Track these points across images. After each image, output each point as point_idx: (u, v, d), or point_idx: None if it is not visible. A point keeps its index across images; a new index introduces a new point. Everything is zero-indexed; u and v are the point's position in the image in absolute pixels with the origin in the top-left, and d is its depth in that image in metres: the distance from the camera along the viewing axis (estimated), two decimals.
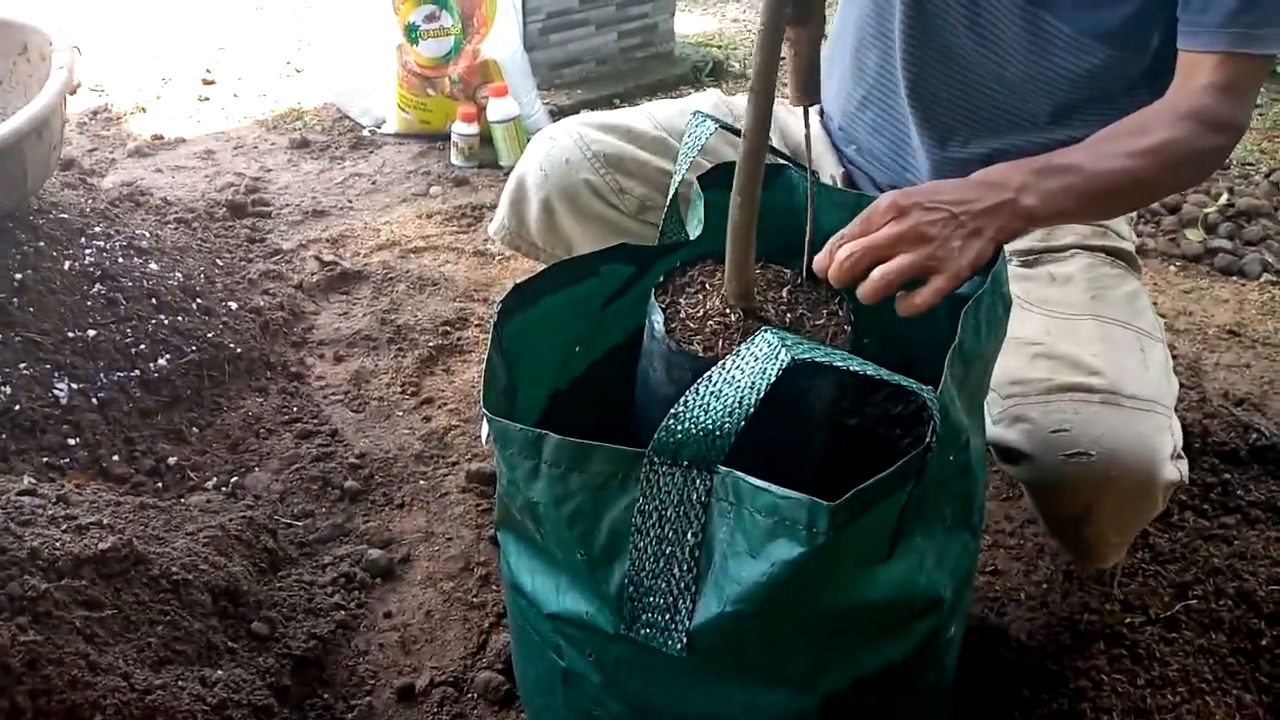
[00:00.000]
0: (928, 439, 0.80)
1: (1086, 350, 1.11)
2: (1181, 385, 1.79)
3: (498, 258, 2.24)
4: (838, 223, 1.15)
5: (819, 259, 0.95)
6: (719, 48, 3.54)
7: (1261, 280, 2.23)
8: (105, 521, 1.13)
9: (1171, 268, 2.27)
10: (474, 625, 1.37)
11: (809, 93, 1.02)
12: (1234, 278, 2.24)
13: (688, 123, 1.09)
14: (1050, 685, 1.23)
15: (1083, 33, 1.11)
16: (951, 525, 0.95)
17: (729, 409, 0.77)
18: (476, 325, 2.00)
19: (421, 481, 1.61)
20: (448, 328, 1.98)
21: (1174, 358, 1.88)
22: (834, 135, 1.40)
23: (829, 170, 1.38)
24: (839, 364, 0.79)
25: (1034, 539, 1.48)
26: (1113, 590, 1.35)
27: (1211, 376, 1.89)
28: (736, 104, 1.43)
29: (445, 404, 1.79)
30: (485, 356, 0.95)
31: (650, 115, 1.39)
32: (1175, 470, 1.06)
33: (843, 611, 0.86)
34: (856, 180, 1.38)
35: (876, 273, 0.89)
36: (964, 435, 0.93)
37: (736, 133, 1.14)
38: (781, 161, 1.18)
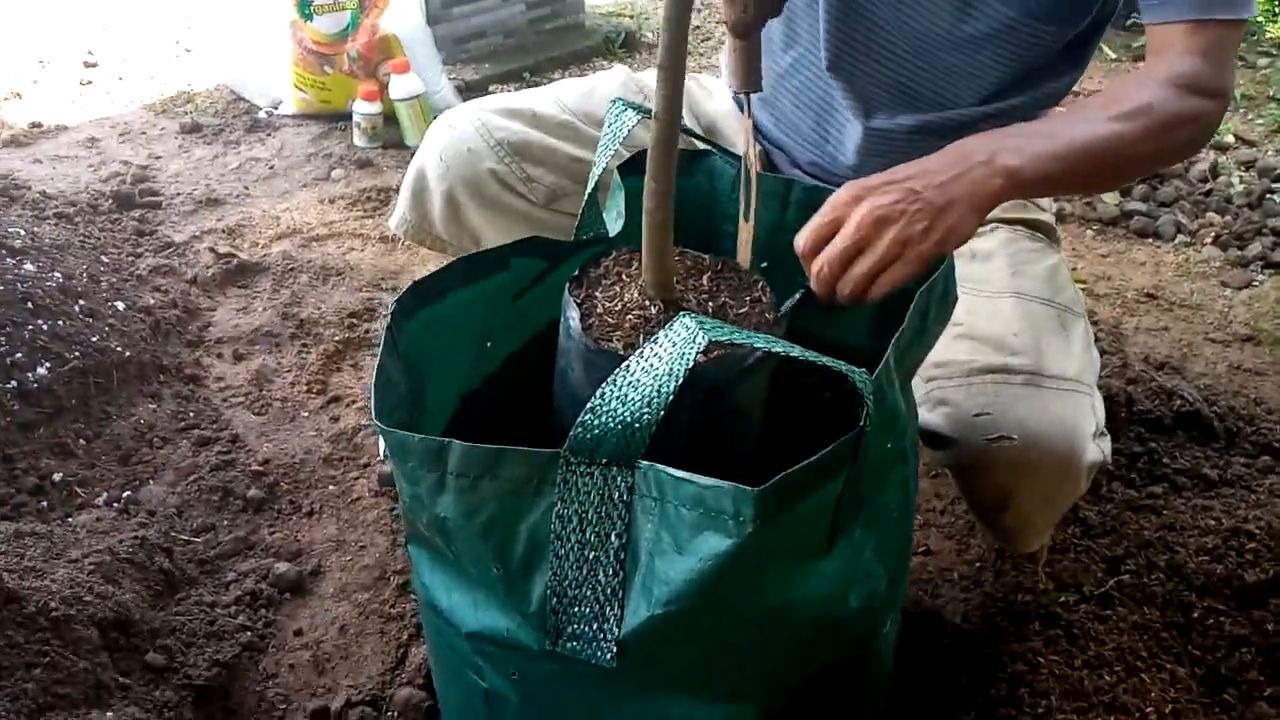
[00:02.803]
0: (861, 423, 0.76)
1: (1008, 330, 1.08)
2: (1104, 351, 1.79)
3: (405, 243, 2.14)
4: (766, 210, 1.11)
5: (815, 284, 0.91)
6: (630, 17, 3.46)
7: (1176, 242, 2.25)
8: None
9: (1089, 232, 2.27)
10: (391, 638, 1.30)
11: (752, 81, 1.02)
12: (1150, 240, 2.25)
13: (607, 112, 1.03)
14: (988, 670, 1.20)
15: (1011, 6, 1.07)
16: (896, 516, 0.92)
17: (647, 399, 0.73)
18: (385, 316, 1.90)
19: (331, 487, 1.53)
20: (354, 320, 1.89)
21: (1095, 323, 1.89)
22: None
23: (743, 148, 1.33)
24: (759, 346, 0.76)
25: (965, 516, 1.46)
26: (1045, 568, 1.34)
27: (1132, 341, 1.89)
28: (645, 80, 1.36)
29: (354, 402, 1.70)
30: (378, 359, 0.88)
31: (556, 98, 1.32)
32: (1098, 450, 1.04)
33: (779, 610, 0.83)
34: (773, 158, 1.32)
35: (845, 284, 0.86)
36: (902, 421, 0.89)
37: (646, 111, 1.08)
38: (703, 147, 1.13)
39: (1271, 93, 2.90)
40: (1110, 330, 1.90)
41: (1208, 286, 2.10)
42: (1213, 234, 2.27)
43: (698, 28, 3.37)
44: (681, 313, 0.76)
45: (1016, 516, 1.06)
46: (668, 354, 0.74)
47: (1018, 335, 1.07)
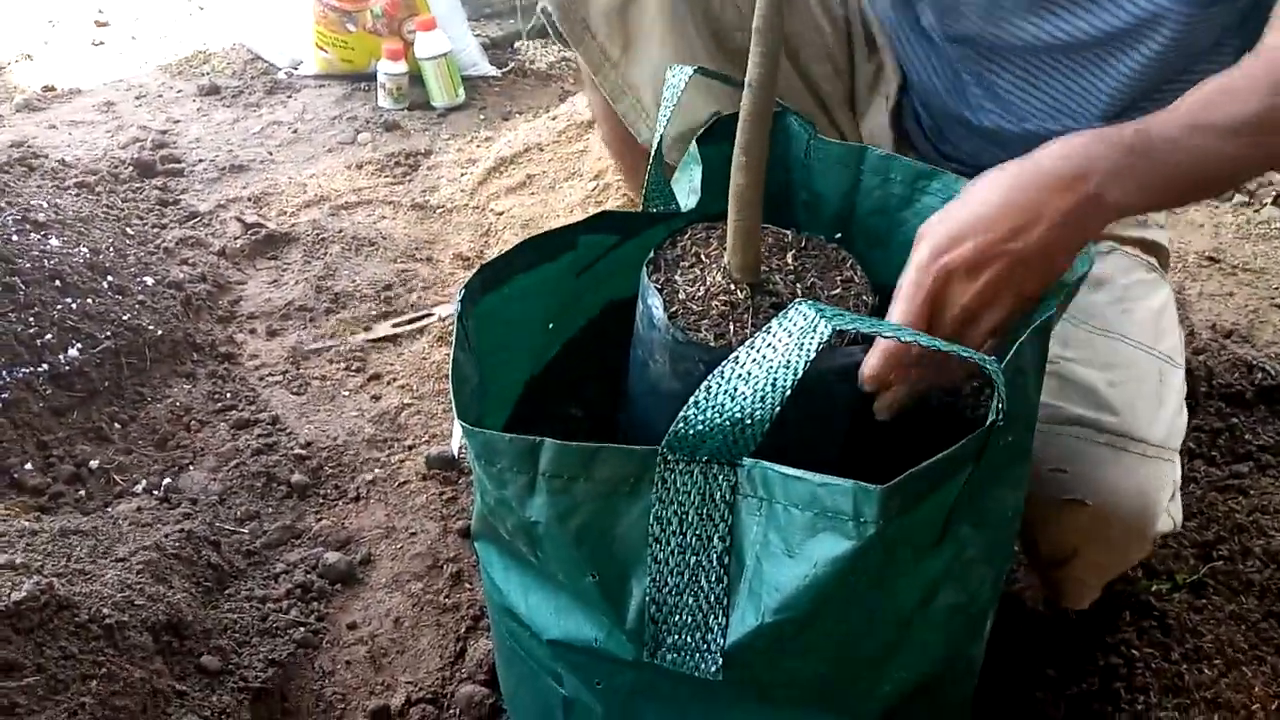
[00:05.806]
0: (992, 417, 0.70)
1: (1103, 378, 0.98)
2: None
3: (439, 210, 2.07)
4: (838, 181, 1.03)
5: (870, 370, 0.77)
6: None
7: (1234, 202, 2.16)
8: (19, 561, 0.98)
9: None
10: (449, 631, 1.25)
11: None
12: (1208, 200, 2.17)
13: (667, 72, 0.95)
14: (1077, 663, 1.15)
15: None
16: (1009, 517, 0.86)
17: (760, 393, 0.66)
18: (422, 288, 1.84)
19: (377, 470, 1.47)
20: (390, 293, 1.82)
21: None
22: (880, 13, 1.18)
23: (861, 61, 1.20)
24: (887, 335, 0.70)
25: None
26: None
27: (1197, 307, 1.82)
28: None
29: (395, 379, 1.63)
30: (451, 353, 0.81)
31: None
32: (1169, 520, 0.97)
33: (894, 612, 0.77)
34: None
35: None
36: (1032, 414, 0.83)
37: (722, 79, 1.01)
38: (778, 105, 1.04)
39: None
40: (1175, 297, 1.82)
41: (1270, 249, 2.02)
42: (1273, 193, 2.19)
43: None
44: (799, 300, 0.70)
45: (1075, 575, 1.01)
46: (783, 344, 0.67)
47: (1113, 386, 0.97)
